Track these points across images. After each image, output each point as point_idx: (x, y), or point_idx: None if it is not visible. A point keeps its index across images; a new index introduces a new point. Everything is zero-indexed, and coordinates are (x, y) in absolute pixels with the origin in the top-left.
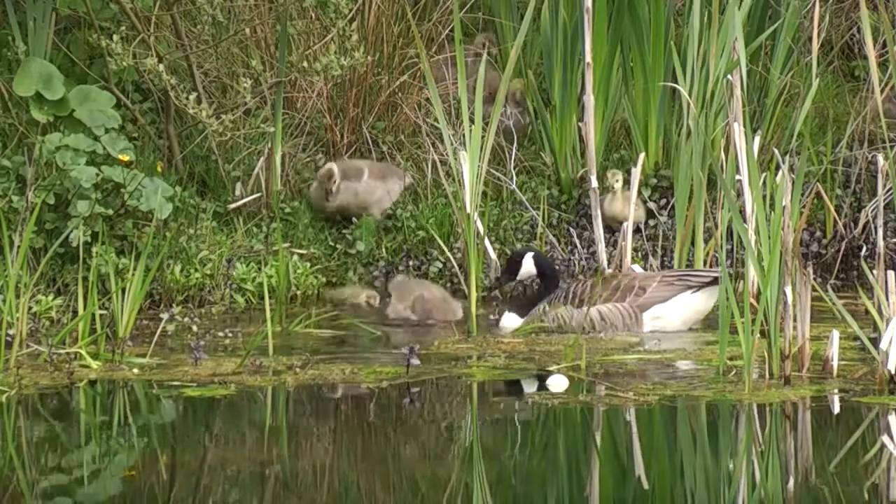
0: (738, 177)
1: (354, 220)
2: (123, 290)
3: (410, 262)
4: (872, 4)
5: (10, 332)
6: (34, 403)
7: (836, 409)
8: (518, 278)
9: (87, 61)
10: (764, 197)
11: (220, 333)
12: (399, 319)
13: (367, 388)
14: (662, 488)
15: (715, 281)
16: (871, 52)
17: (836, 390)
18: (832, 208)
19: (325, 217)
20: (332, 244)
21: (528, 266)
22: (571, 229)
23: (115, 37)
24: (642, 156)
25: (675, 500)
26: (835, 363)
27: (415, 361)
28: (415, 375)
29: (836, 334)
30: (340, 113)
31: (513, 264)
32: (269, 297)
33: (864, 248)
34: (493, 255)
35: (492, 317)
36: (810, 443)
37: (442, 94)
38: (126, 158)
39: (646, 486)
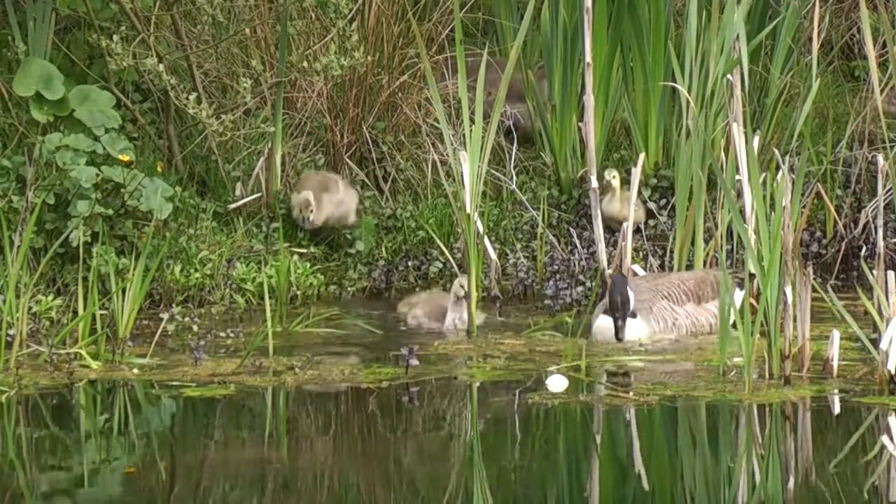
0: (737, 177)
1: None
2: (123, 290)
3: (410, 263)
4: (872, 4)
5: (10, 332)
6: (34, 403)
7: (836, 409)
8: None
9: (87, 61)
10: (764, 197)
11: (221, 334)
12: (414, 325)
13: (366, 388)
14: (662, 488)
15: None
16: (871, 52)
17: (836, 390)
18: (832, 208)
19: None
20: (332, 244)
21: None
22: (571, 229)
23: (115, 37)
24: (642, 156)
25: (675, 500)
26: (835, 363)
27: (413, 362)
28: (414, 376)
29: (836, 334)
30: (340, 113)
31: (625, 296)
32: (269, 297)
33: (864, 249)
34: (493, 255)
35: (500, 318)
36: (810, 443)
37: (442, 94)
38: (126, 158)
39: (646, 486)
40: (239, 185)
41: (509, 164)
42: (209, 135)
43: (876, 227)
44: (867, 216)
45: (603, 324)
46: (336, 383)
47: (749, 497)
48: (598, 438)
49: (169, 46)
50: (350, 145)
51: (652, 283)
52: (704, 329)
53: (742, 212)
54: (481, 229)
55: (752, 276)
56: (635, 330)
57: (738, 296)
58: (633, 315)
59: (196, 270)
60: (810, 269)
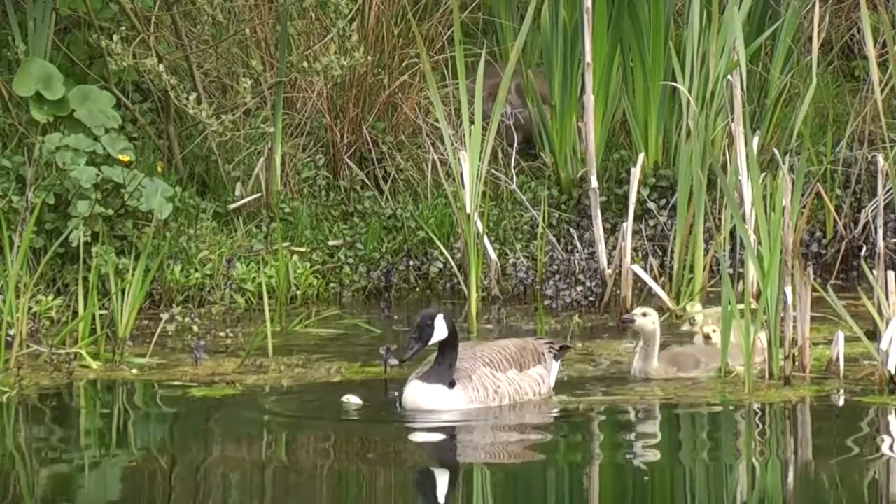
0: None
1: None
2: (123, 291)
3: (411, 262)
4: (872, 4)
5: (11, 332)
6: (34, 403)
7: (836, 408)
8: (430, 343)
9: (87, 61)
10: (764, 197)
11: (221, 334)
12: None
13: (364, 388)
14: (662, 488)
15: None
16: (871, 52)
17: (836, 390)
18: (832, 208)
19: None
20: (332, 245)
21: (440, 329)
22: (571, 229)
23: (115, 37)
24: (642, 156)
25: (675, 500)
26: (841, 364)
27: (392, 361)
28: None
29: (840, 336)
30: (340, 113)
31: (430, 328)
32: (269, 297)
33: (864, 248)
34: (493, 256)
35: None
36: (810, 442)
37: (442, 94)
38: (126, 158)
39: (646, 485)
40: (239, 185)
41: (510, 164)
42: (209, 135)
43: (876, 227)
44: (867, 216)
45: (412, 391)
46: (332, 383)
47: (749, 497)
48: (599, 438)
49: (169, 46)
50: (350, 145)
51: (471, 350)
52: (528, 396)
53: (742, 212)
54: (481, 229)
55: (566, 347)
56: (452, 401)
57: (555, 368)
58: (452, 385)
59: (196, 270)
60: (810, 269)
